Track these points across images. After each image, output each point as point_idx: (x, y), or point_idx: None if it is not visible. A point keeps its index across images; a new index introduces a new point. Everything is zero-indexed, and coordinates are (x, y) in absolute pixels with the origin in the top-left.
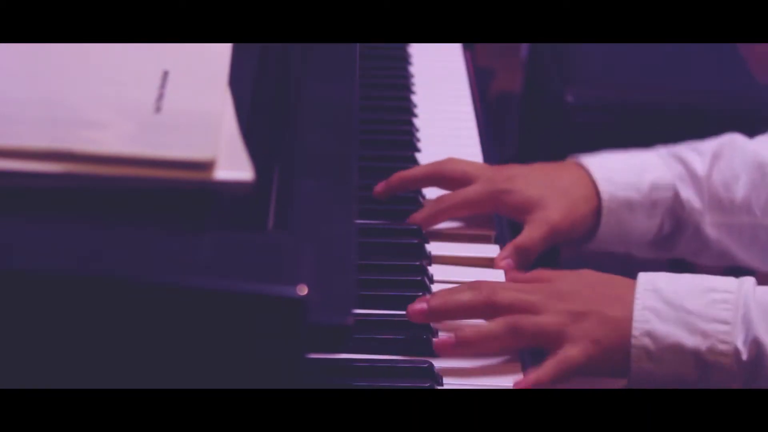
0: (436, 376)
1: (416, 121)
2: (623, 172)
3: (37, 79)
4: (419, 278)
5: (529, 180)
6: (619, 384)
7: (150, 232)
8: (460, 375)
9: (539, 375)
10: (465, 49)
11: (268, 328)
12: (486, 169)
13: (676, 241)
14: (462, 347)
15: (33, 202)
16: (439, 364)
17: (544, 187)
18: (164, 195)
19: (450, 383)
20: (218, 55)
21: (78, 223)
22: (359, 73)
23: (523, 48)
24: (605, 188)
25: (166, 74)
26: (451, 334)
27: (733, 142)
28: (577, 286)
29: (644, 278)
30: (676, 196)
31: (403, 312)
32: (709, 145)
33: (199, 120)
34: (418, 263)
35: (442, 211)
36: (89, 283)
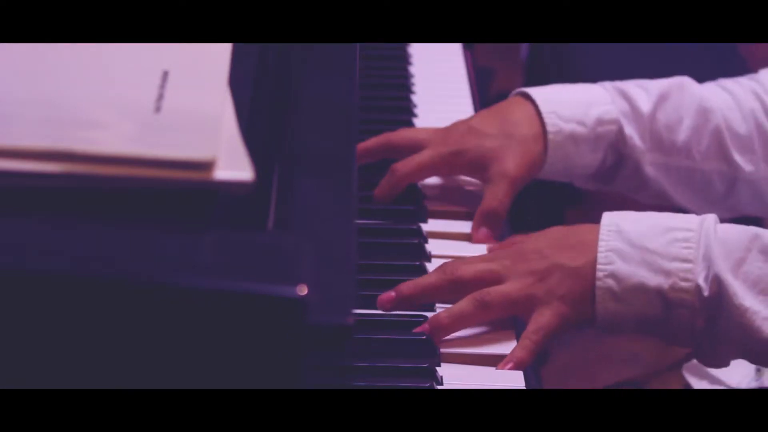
0: (436, 376)
1: (416, 121)
2: (570, 106)
3: (37, 79)
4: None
5: (478, 135)
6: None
7: (150, 232)
8: (460, 375)
9: (520, 355)
10: (465, 49)
11: (268, 328)
12: (437, 132)
13: (616, 175)
14: (438, 331)
15: (33, 202)
16: (441, 369)
17: (494, 136)
18: (164, 195)
19: (450, 383)
20: (218, 55)
21: (78, 223)
22: (359, 73)
23: (523, 48)
24: (551, 121)
25: (166, 74)
26: (425, 323)
27: (682, 84)
28: (540, 244)
29: (608, 219)
30: (620, 131)
31: (404, 312)
32: (658, 84)
33: (199, 120)
34: (418, 263)
35: (397, 179)
36: (89, 283)
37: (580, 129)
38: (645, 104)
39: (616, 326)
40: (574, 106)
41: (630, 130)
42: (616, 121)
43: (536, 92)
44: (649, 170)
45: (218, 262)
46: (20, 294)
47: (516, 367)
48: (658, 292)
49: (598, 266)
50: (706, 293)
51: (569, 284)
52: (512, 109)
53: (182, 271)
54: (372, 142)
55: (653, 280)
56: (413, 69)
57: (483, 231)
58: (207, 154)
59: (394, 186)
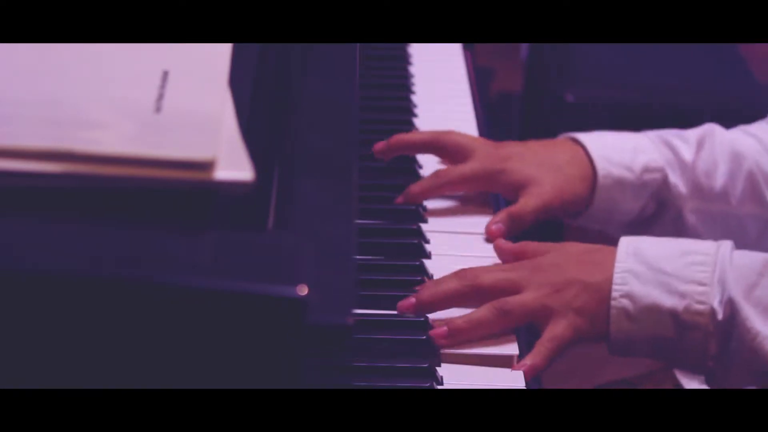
0: (436, 376)
1: (416, 121)
2: (619, 152)
3: (37, 79)
4: (419, 278)
5: (525, 159)
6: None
7: (150, 232)
8: (460, 375)
9: (534, 361)
10: (465, 49)
11: (268, 328)
12: (484, 144)
13: (655, 223)
14: (455, 336)
15: (33, 202)
16: (441, 369)
17: (539, 165)
18: (164, 195)
19: (450, 383)
20: (218, 55)
21: (78, 223)
22: (359, 73)
23: (523, 48)
24: (602, 165)
25: (166, 74)
26: (443, 326)
27: (713, 131)
28: (558, 259)
29: (626, 241)
30: (665, 179)
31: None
32: (693, 133)
33: (199, 120)
34: (417, 263)
35: (439, 185)
36: (89, 283)
37: (628, 175)
38: (687, 153)
39: (629, 346)
40: (622, 152)
41: (674, 179)
42: (662, 170)
43: (586, 137)
44: (690, 217)
45: (218, 262)
46: (20, 294)
47: (529, 372)
48: (673, 314)
49: (614, 286)
50: (719, 317)
51: (586, 298)
52: (563, 148)
53: (182, 271)
54: (420, 136)
55: (668, 301)
56: (413, 69)
57: (499, 226)
58: (207, 154)
59: (433, 189)
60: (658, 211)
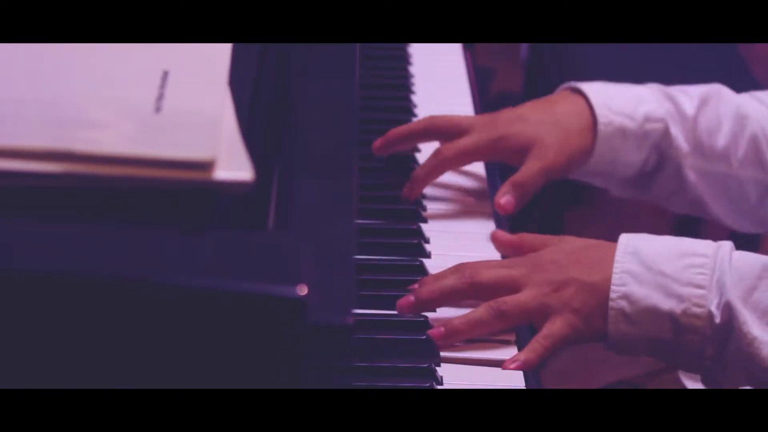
0: (436, 376)
1: None
2: (620, 100)
3: (37, 79)
4: (419, 278)
5: (524, 121)
6: (613, 378)
7: (150, 232)
8: (460, 375)
9: (528, 357)
10: (465, 49)
11: (268, 328)
12: (480, 118)
13: (656, 179)
14: (452, 337)
15: (33, 202)
16: (441, 369)
17: (540, 123)
18: (164, 195)
19: (450, 383)
20: (218, 55)
21: (78, 223)
22: (359, 73)
23: (523, 48)
24: (602, 113)
25: (166, 74)
26: (441, 327)
27: (720, 91)
28: (558, 255)
29: (625, 240)
30: (666, 131)
31: (412, 311)
32: (698, 90)
33: (199, 120)
34: (417, 263)
35: (441, 162)
36: (89, 283)
37: (629, 123)
38: (689, 107)
39: (626, 347)
40: (624, 100)
41: (675, 131)
42: (663, 120)
43: (587, 86)
44: (689, 174)
45: (218, 262)
46: (20, 294)
47: (521, 367)
48: (671, 316)
49: (612, 287)
50: (717, 320)
51: (584, 298)
52: (562, 100)
53: (182, 271)
54: (414, 124)
55: (666, 303)
56: (413, 69)
57: (508, 198)
58: (207, 154)
59: (436, 168)
60: (658, 165)
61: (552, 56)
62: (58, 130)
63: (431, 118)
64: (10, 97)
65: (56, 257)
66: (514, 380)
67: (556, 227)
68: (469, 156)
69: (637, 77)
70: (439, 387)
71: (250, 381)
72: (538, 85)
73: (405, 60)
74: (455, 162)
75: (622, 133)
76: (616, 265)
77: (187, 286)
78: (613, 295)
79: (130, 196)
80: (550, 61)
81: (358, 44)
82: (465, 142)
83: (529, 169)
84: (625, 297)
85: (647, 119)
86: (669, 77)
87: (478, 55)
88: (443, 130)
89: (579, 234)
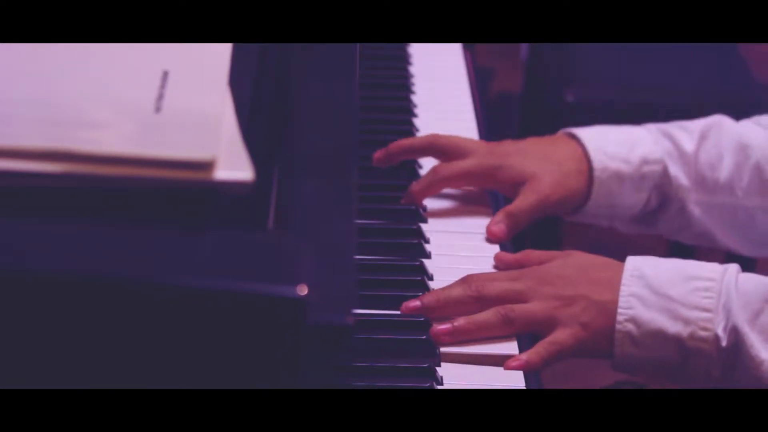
0: (436, 376)
1: (416, 121)
2: (615, 145)
3: (37, 79)
4: (419, 278)
5: (523, 156)
6: (613, 378)
7: (150, 232)
8: (460, 375)
9: (531, 358)
10: (465, 49)
11: (268, 328)
12: (481, 145)
13: (660, 216)
14: (457, 335)
15: (33, 202)
16: (441, 369)
17: (537, 161)
18: (164, 195)
19: (450, 383)
20: (218, 55)
21: (78, 223)
22: (359, 73)
23: (523, 48)
24: (597, 158)
25: (166, 74)
26: (447, 324)
27: (720, 123)
28: (565, 271)
29: (631, 264)
30: (665, 171)
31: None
32: (697, 124)
33: (199, 120)
34: (418, 263)
35: (438, 181)
36: (89, 283)
37: (624, 167)
38: (688, 144)
39: (632, 368)
40: (619, 144)
41: (675, 170)
42: (661, 161)
43: (582, 132)
44: (694, 209)
45: (218, 262)
46: (20, 294)
47: (523, 367)
48: (677, 340)
49: (619, 310)
50: (723, 343)
51: (593, 315)
52: (559, 143)
53: (182, 271)
54: (418, 140)
55: (672, 327)
56: (413, 69)
57: (501, 227)
58: (207, 154)
59: (432, 185)
60: (662, 203)
61: (552, 56)
62: (58, 130)
63: (435, 136)
64: (10, 97)
65: (56, 257)
66: (514, 380)
67: (555, 229)
68: (465, 179)
69: (637, 77)
70: (439, 387)
71: (250, 381)
72: (538, 85)
73: (405, 60)
74: (451, 182)
75: (619, 177)
76: (622, 288)
77: (187, 286)
78: (620, 317)
79: (130, 196)
80: (550, 61)
81: (358, 44)
82: (464, 164)
83: (524, 200)
84: (632, 320)
85: (644, 162)
86: (669, 77)
87: (478, 55)
88: (445, 149)
89: (578, 236)
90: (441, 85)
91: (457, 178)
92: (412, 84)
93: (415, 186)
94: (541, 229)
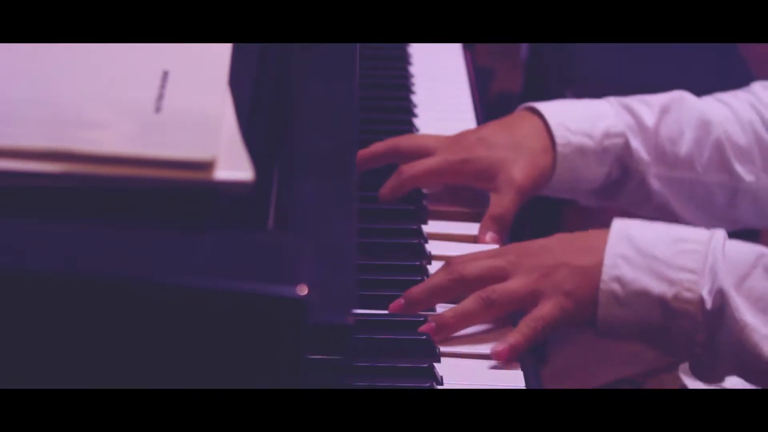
0: (436, 376)
1: (416, 121)
2: (577, 119)
3: (37, 79)
4: (419, 278)
5: (487, 146)
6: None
7: (150, 232)
8: (460, 375)
9: (515, 340)
10: (465, 49)
11: (268, 328)
12: (445, 140)
13: (621, 189)
14: (443, 330)
15: (33, 202)
16: (441, 368)
17: (503, 147)
18: (164, 195)
19: (450, 383)
20: (218, 55)
21: (78, 223)
22: (359, 73)
23: (523, 48)
24: (560, 133)
25: (166, 74)
26: (430, 322)
27: (682, 98)
28: (548, 242)
29: (618, 225)
30: (626, 144)
31: (404, 312)
32: (659, 99)
33: (199, 120)
34: (418, 263)
35: (403, 182)
36: (89, 283)
37: (587, 141)
38: (649, 118)
39: (616, 331)
40: (581, 119)
41: (636, 143)
42: (623, 135)
43: (544, 106)
44: (654, 183)
45: (218, 262)
46: (20, 294)
47: (510, 352)
48: (661, 300)
49: (604, 269)
50: (708, 306)
51: (576, 281)
52: (521, 122)
53: (182, 271)
54: (379, 146)
55: (657, 287)
56: (413, 69)
57: (491, 235)
58: (207, 154)
59: (399, 187)
60: (622, 176)
61: (552, 56)
62: (58, 130)
63: (395, 140)
64: (9, 97)
65: (56, 257)
66: (514, 380)
67: (552, 227)
68: (432, 176)
69: (637, 77)
70: (439, 387)
71: (250, 381)
72: (538, 85)
73: (405, 60)
74: (417, 181)
75: (581, 151)
76: (608, 248)
77: (187, 286)
78: (604, 277)
79: (130, 196)
80: (550, 61)
81: (358, 44)
82: (428, 163)
83: (502, 199)
84: (617, 279)
85: (606, 135)
86: (669, 77)
87: (478, 55)
88: (406, 152)
89: (579, 219)
90: (441, 85)
91: (422, 177)
92: (412, 84)
93: (382, 189)
94: (540, 228)
